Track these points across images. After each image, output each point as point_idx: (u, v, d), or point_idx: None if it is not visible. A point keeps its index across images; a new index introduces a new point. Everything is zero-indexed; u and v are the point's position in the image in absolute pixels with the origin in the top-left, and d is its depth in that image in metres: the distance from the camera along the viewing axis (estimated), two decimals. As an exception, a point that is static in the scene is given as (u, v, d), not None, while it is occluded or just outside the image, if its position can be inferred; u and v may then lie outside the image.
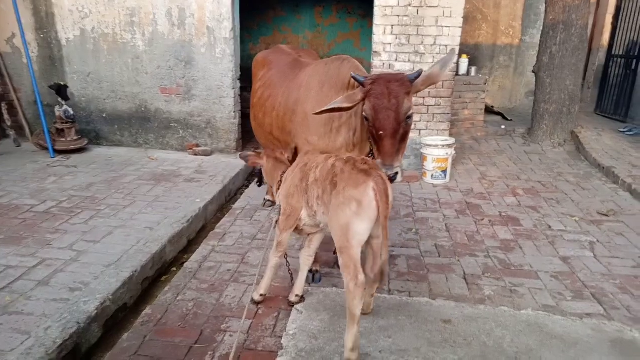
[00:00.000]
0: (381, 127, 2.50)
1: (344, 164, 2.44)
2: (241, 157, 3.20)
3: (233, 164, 5.78)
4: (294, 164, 2.87)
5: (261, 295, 3.01)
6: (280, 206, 2.84)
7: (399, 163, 2.58)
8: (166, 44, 5.93)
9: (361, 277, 2.34)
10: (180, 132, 6.28)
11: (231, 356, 2.34)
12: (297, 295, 2.99)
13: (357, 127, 2.88)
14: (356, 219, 2.31)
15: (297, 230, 2.85)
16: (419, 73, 2.62)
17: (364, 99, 2.59)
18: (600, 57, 9.26)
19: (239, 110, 6.23)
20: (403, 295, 3.13)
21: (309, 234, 2.95)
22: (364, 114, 2.58)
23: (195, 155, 6.09)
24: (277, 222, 2.88)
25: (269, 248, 2.97)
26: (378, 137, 2.55)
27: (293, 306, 2.94)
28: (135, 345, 2.66)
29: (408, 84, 2.55)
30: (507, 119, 8.34)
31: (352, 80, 2.84)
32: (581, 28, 6.63)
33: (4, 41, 6.16)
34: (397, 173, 2.56)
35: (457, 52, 5.72)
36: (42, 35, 6.09)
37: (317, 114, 2.67)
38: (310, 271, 3.35)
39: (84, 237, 3.70)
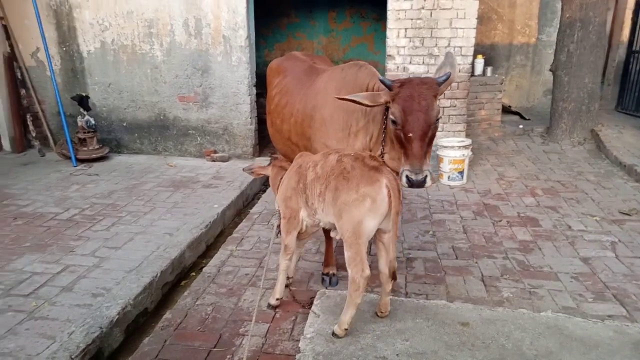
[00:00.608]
0: (411, 129, 2.49)
1: (353, 160, 2.48)
2: (244, 170, 3.27)
3: (250, 170, 5.84)
4: (290, 167, 2.91)
5: (277, 299, 3.05)
6: (279, 211, 2.91)
7: (427, 166, 2.57)
8: (183, 54, 6.05)
9: (367, 270, 2.46)
10: (198, 139, 6.38)
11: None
12: (289, 278, 3.20)
13: (374, 132, 2.90)
14: (369, 216, 2.39)
15: (300, 233, 2.89)
16: (448, 76, 2.63)
17: (387, 102, 2.60)
18: (620, 53, 9.07)
19: (255, 117, 6.31)
20: (420, 298, 3.13)
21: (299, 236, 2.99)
22: (391, 117, 2.57)
23: (213, 161, 6.18)
24: (278, 227, 2.94)
25: (272, 254, 3.03)
26: (407, 140, 2.53)
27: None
28: (155, 349, 2.72)
29: (436, 86, 2.56)
30: (524, 119, 8.23)
31: (370, 85, 2.88)
32: (599, 25, 6.52)
33: (29, 55, 6.37)
34: (426, 176, 2.55)
35: (471, 52, 5.69)
36: (64, 49, 6.27)
37: (339, 98, 2.70)
38: (327, 274, 3.39)
39: (106, 244, 3.79)
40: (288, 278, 3.24)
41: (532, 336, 2.56)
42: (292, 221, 2.82)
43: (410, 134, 2.50)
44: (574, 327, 2.64)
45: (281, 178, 2.99)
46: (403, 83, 2.54)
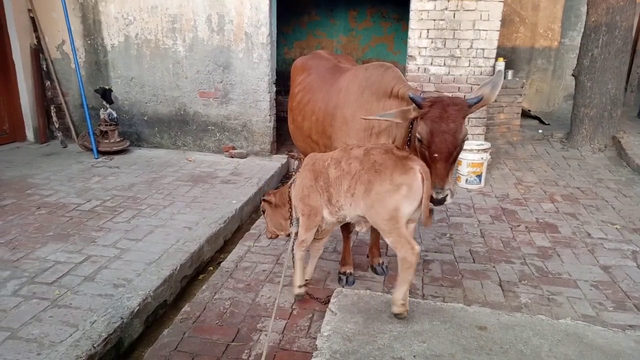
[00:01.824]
0: (437, 150, 2.48)
1: (383, 152, 2.56)
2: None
3: (268, 166, 5.88)
4: (302, 167, 2.93)
5: (299, 286, 3.04)
6: (298, 219, 2.92)
7: (449, 185, 2.56)
8: (205, 50, 6.10)
9: (417, 246, 2.51)
10: (217, 134, 6.44)
11: (263, 356, 2.40)
12: (306, 280, 3.16)
13: (397, 135, 2.88)
14: (406, 202, 2.47)
15: (317, 232, 2.91)
16: (480, 99, 2.58)
17: (415, 118, 2.59)
18: (645, 59, 8.93)
19: (274, 114, 6.35)
20: (437, 300, 3.13)
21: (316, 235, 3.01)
22: (418, 135, 2.55)
23: (232, 157, 6.23)
24: (296, 234, 2.95)
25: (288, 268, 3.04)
26: (431, 159, 2.53)
27: (297, 295, 3.11)
28: (174, 341, 2.77)
29: (466, 108, 2.52)
30: (544, 123, 8.14)
31: (395, 89, 2.84)
32: (625, 30, 6.42)
33: (55, 48, 6.48)
34: (446, 196, 2.55)
35: (494, 55, 5.64)
36: (89, 42, 6.38)
37: (365, 118, 2.75)
38: (344, 274, 3.40)
39: (127, 236, 3.85)
40: (306, 280, 3.21)
41: (551, 343, 2.54)
42: (312, 218, 2.83)
43: (436, 155, 2.49)
44: (594, 335, 2.61)
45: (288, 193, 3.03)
46: (433, 102, 2.50)
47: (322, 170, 2.74)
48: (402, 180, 2.45)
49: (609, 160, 6.45)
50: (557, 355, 2.45)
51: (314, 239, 3.03)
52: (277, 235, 3.29)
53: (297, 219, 2.96)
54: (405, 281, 2.58)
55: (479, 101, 2.58)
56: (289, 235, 3.12)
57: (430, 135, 2.48)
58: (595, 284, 3.37)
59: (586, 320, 2.88)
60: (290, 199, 3.02)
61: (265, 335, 2.82)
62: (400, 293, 2.61)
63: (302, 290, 3.07)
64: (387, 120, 2.68)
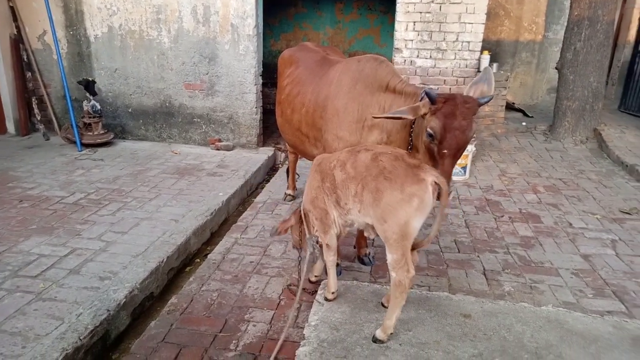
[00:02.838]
0: (448, 146, 2.49)
1: (393, 159, 2.42)
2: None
3: (254, 159, 5.87)
4: (311, 169, 2.85)
5: (332, 293, 2.90)
6: (316, 235, 2.86)
7: (452, 182, 2.60)
8: (191, 41, 6.04)
9: (412, 270, 2.39)
10: (203, 127, 6.40)
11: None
12: (315, 276, 3.20)
13: (392, 131, 2.88)
14: (417, 216, 2.33)
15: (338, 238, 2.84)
16: (490, 98, 2.62)
17: (425, 114, 2.59)
18: (625, 53, 9.08)
19: (260, 106, 6.32)
20: (423, 289, 3.17)
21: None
22: (429, 130, 2.54)
23: (218, 149, 6.20)
24: (318, 244, 2.89)
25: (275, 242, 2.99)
26: (440, 155, 2.54)
27: (307, 289, 3.13)
28: (162, 332, 2.77)
29: (477, 107, 2.55)
30: (528, 116, 8.25)
31: (390, 84, 2.84)
32: (607, 24, 6.52)
33: (36, 38, 6.35)
34: (450, 192, 2.58)
35: (479, 48, 5.70)
36: (71, 32, 6.27)
37: (376, 117, 2.71)
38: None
39: (112, 228, 3.83)
40: (315, 276, 3.23)
41: (533, 329, 2.61)
42: (324, 221, 2.75)
43: (446, 151, 2.51)
44: (574, 321, 2.69)
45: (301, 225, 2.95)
46: (447, 99, 2.52)
47: (328, 172, 2.66)
48: (413, 190, 2.29)
49: (590, 152, 6.57)
50: (539, 340, 2.52)
51: None
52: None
53: (310, 238, 2.88)
54: (398, 306, 2.44)
55: (489, 100, 2.62)
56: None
57: (443, 130, 2.48)
58: (575, 272, 3.45)
59: (567, 307, 2.96)
60: (301, 217, 2.92)
61: (254, 325, 2.84)
62: (392, 320, 2.45)
63: (334, 296, 2.91)
64: (400, 118, 2.61)
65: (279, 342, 2.61)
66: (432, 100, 2.53)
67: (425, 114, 2.57)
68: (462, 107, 2.48)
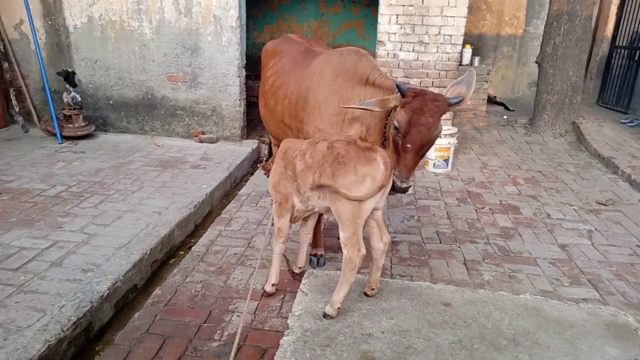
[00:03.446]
0: (411, 141, 2.52)
1: (346, 144, 2.52)
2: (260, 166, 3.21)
3: (238, 151, 5.86)
4: (277, 152, 2.92)
5: (273, 285, 3.06)
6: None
7: (413, 177, 2.63)
8: (173, 32, 5.98)
9: (363, 249, 2.51)
10: (186, 119, 6.35)
11: (237, 337, 2.44)
12: (299, 267, 3.20)
13: (371, 125, 2.91)
14: (370, 194, 2.43)
15: (291, 218, 2.92)
16: (460, 100, 2.63)
17: (395, 107, 2.62)
18: (603, 48, 9.26)
19: (244, 99, 6.30)
20: (405, 279, 3.23)
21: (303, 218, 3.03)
22: (395, 123, 2.58)
23: (201, 142, 6.17)
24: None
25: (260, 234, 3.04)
26: (403, 149, 2.57)
27: (296, 277, 3.17)
28: (146, 324, 2.77)
29: (446, 106, 2.57)
30: (509, 109, 8.38)
31: (371, 78, 2.87)
32: (585, 19, 6.65)
33: (12, 27, 6.21)
34: (409, 186, 2.62)
35: (461, 42, 5.75)
36: (49, 22, 6.14)
37: (345, 107, 2.75)
38: (314, 255, 3.47)
39: (94, 221, 3.80)
40: (299, 268, 3.25)
41: (511, 317, 2.68)
42: (283, 205, 2.83)
43: (409, 145, 2.53)
44: (551, 309, 2.77)
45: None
46: (417, 94, 2.54)
47: (291, 160, 2.74)
48: (366, 171, 2.42)
49: (569, 145, 6.71)
50: (517, 327, 2.59)
51: (302, 225, 3.09)
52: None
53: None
54: (346, 283, 2.55)
55: (459, 102, 2.63)
56: None
57: (408, 125, 2.51)
58: (553, 262, 3.54)
59: (544, 295, 3.04)
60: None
61: (238, 316, 2.86)
62: (340, 295, 2.56)
63: (274, 289, 3.07)
64: (365, 110, 2.66)
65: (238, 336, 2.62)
66: (403, 93, 2.56)
67: (395, 107, 2.61)
68: (430, 104, 2.51)
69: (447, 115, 6.04)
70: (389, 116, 2.78)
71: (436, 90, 2.72)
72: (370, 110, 2.64)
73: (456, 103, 2.61)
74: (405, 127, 2.53)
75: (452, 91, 2.72)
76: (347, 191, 2.45)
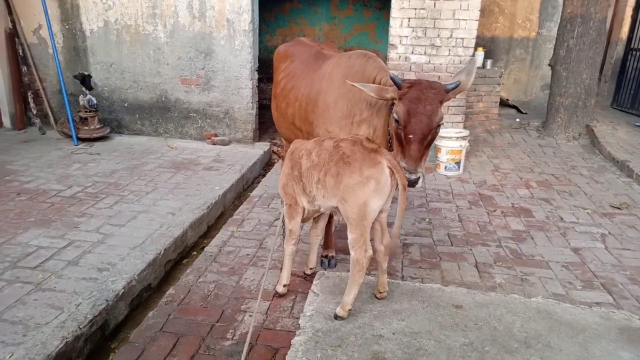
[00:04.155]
0: (412, 131, 2.54)
1: (351, 144, 2.53)
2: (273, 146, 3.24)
3: (250, 154, 5.91)
4: (286, 154, 2.95)
5: (284, 286, 3.08)
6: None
7: (421, 169, 2.63)
8: (187, 36, 6.06)
9: (370, 251, 2.53)
10: (199, 122, 6.43)
11: (248, 335, 2.47)
12: (310, 268, 3.24)
13: (377, 126, 2.94)
14: (374, 197, 2.45)
15: (302, 218, 2.95)
16: (457, 84, 2.66)
17: (393, 99, 2.64)
18: (618, 50, 9.17)
19: (256, 101, 6.36)
20: (416, 281, 3.24)
21: (313, 219, 3.07)
22: (394, 115, 2.61)
23: (214, 144, 6.24)
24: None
25: (272, 235, 3.07)
26: (406, 140, 2.59)
27: (307, 277, 3.21)
28: (160, 322, 2.82)
29: (443, 93, 2.59)
30: (521, 112, 8.33)
31: (377, 78, 2.90)
32: (599, 21, 6.59)
33: (31, 32, 6.35)
34: (419, 178, 2.62)
35: (473, 45, 5.75)
36: (67, 27, 6.27)
37: (350, 83, 2.76)
38: (325, 257, 3.49)
39: (110, 221, 3.86)
40: (310, 269, 3.28)
41: (523, 320, 2.67)
42: (293, 207, 2.86)
43: (411, 135, 2.55)
44: (563, 312, 2.75)
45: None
46: (412, 84, 2.58)
47: (297, 160, 2.76)
48: (370, 173, 2.43)
49: (583, 148, 6.66)
50: (528, 330, 2.58)
51: (313, 227, 3.12)
52: None
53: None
54: (355, 284, 2.57)
55: (456, 87, 2.66)
56: None
57: (407, 115, 2.54)
58: (565, 265, 3.52)
59: (556, 298, 3.03)
60: None
61: (250, 316, 2.89)
62: (350, 296, 2.57)
63: (285, 290, 3.09)
64: (366, 93, 2.68)
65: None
66: (398, 85, 2.57)
67: (393, 99, 2.62)
68: (427, 91, 2.53)
69: (459, 118, 6.03)
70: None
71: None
72: (367, 93, 2.66)
73: (453, 88, 2.63)
74: (404, 118, 2.55)
75: (453, 80, 2.75)
76: (350, 191, 2.47)
